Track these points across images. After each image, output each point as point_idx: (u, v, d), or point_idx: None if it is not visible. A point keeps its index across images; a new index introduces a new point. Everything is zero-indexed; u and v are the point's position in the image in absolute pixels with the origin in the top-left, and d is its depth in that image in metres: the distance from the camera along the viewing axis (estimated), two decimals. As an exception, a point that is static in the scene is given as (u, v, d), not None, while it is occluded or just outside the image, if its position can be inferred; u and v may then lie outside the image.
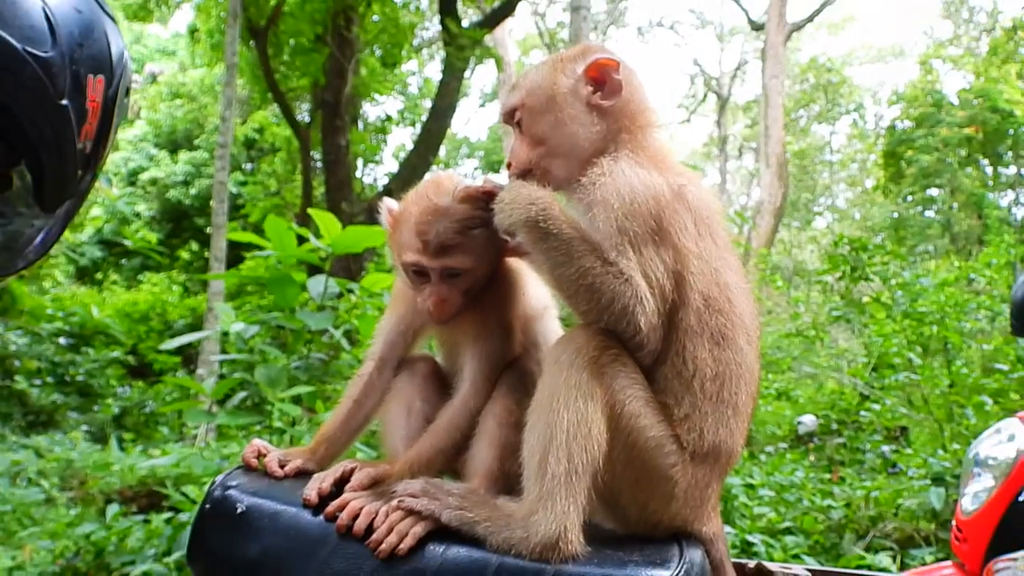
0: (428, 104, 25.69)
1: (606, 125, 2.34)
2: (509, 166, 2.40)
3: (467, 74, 24.53)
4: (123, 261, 28.63)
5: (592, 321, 2.13)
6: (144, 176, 28.92)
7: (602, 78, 2.35)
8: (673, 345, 2.18)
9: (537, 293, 2.53)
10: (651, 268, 2.12)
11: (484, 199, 2.32)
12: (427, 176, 2.47)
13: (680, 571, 2.00)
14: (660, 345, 2.16)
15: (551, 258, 2.13)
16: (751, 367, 2.27)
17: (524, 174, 2.34)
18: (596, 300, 2.09)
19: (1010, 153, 29.11)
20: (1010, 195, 30.11)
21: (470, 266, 2.34)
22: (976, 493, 4.66)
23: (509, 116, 2.45)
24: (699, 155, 49.36)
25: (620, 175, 2.19)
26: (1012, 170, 29.75)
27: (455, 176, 2.43)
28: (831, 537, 8.02)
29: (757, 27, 37.97)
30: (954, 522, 4.80)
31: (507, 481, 2.22)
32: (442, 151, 30.14)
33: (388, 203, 2.49)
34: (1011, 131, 27.88)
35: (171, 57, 33.76)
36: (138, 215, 28.55)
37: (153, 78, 31.92)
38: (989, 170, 29.90)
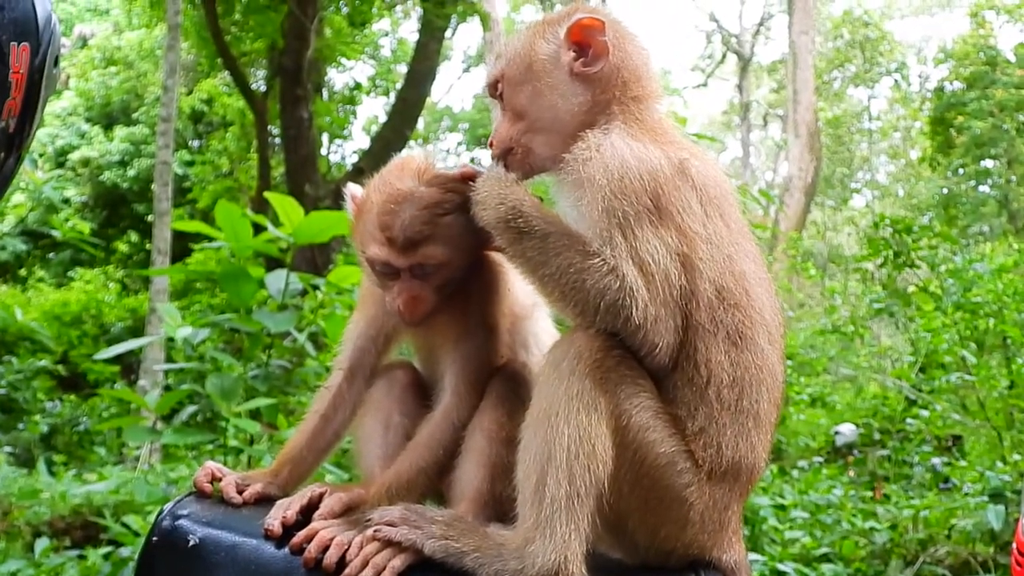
0: (403, 69, 25.69)
1: (592, 95, 2.36)
2: (491, 145, 2.43)
3: (448, 34, 24.55)
4: (51, 255, 28.58)
5: (587, 324, 2.14)
6: (74, 156, 28.83)
7: (586, 41, 2.37)
8: (683, 347, 2.19)
9: (526, 288, 2.52)
10: (647, 250, 2.12)
11: (459, 182, 2.34)
12: (396, 156, 2.46)
13: (698, 606, 2.02)
14: (675, 339, 2.16)
15: (529, 259, 2.17)
16: (773, 370, 2.28)
17: (505, 153, 2.38)
18: (582, 300, 2.11)
19: (1076, 117, 29.14)
20: (1077, 166, 30.14)
21: (443, 259, 2.35)
22: (1040, 511, 4.70)
23: (493, 89, 2.48)
24: (718, 124, 49.41)
25: (609, 148, 2.21)
26: (1079, 137, 29.79)
27: (424, 155, 2.44)
28: (875, 564, 8.07)
29: (783, -25, 37.98)
30: (1015, 544, 4.84)
31: (499, 506, 2.24)
32: (420, 123, 30.17)
33: (352, 188, 2.51)
34: (1077, 92, 27.92)
35: (104, 17, 33.63)
36: (68, 201, 28.42)
37: (83, 42, 31.77)
38: (1052, 137, 29.94)
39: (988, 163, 29.66)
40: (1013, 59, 29.21)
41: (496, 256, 2.49)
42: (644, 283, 2.10)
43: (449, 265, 2.37)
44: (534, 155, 2.37)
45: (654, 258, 2.12)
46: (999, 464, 9.15)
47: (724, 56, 47.40)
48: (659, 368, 2.18)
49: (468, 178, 2.34)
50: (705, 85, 48.78)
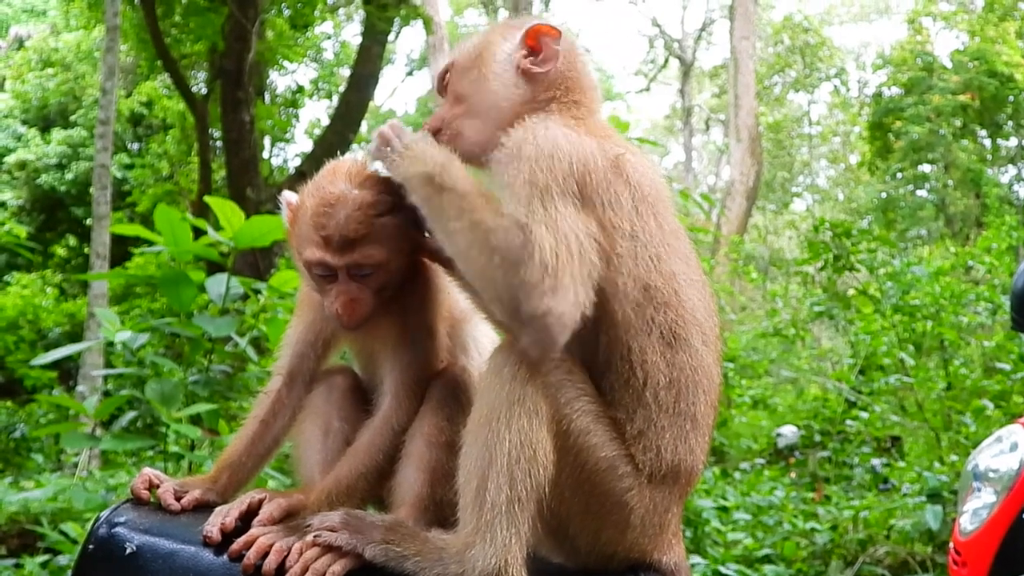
0: (346, 73, 25.58)
1: (533, 91, 2.43)
2: (424, 127, 2.45)
3: (391, 37, 24.47)
4: (-14, 260, 28.13)
5: (486, 285, 2.10)
6: (10, 159, 28.40)
7: (539, 46, 2.45)
8: (617, 347, 2.20)
9: None
10: (563, 221, 2.10)
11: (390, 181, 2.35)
12: (328, 162, 2.47)
13: (639, 608, 2.03)
14: (577, 314, 2.07)
15: (443, 214, 2.15)
16: (709, 372, 2.29)
17: (434, 133, 2.41)
18: (486, 253, 2.07)
19: (1011, 123, 29.65)
20: (1011, 171, 30.66)
21: (381, 259, 2.35)
22: (976, 510, 4.77)
23: (441, 79, 2.54)
24: (660, 129, 49.70)
25: (544, 131, 2.23)
26: (1013, 142, 30.31)
27: (356, 160, 2.45)
28: (815, 565, 8.14)
29: (724, -19, 38.29)
30: (952, 544, 4.91)
31: (439, 510, 2.24)
32: (363, 127, 30.03)
33: (288, 196, 2.50)
34: (1011, 98, 28.38)
35: (41, 18, 33.19)
36: (4, 205, 28.04)
37: (20, 43, 31.35)
38: (987, 142, 30.44)
39: (925, 168, 30.07)
40: (949, 65, 29.65)
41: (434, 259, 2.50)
42: (551, 245, 2.05)
43: (386, 266, 2.36)
44: (462, 138, 2.41)
45: (568, 228, 2.10)
46: (937, 465, 9.27)
47: (666, 61, 47.66)
48: (557, 346, 2.10)
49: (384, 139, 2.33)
50: (648, 90, 49.08)
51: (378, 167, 2.35)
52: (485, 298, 2.16)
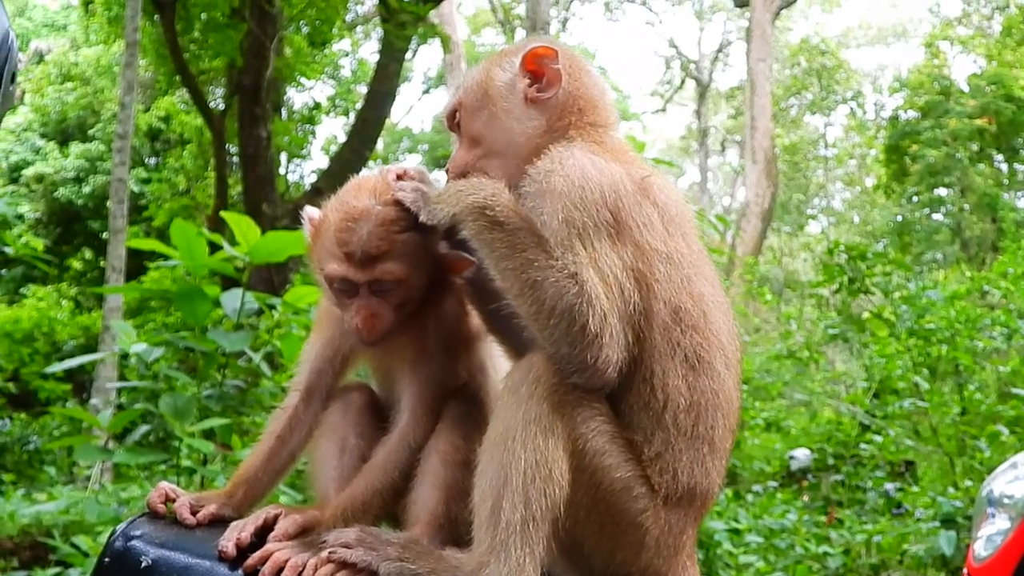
0: (363, 90, 25.70)
1: (547, 120, 2.41)
2: (448, 172, 2.46)
3: (408, 55, 24.59)
4: (3, 271, 28.22)
5: (540, 328, 2.11)
6: (28, 172, 28.55)
7: (540, 70, 2.43)
8: (639, 370, 2.19)
9: None
10: (605, 263, 2.13)
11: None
12: (353, 177, 2.47)
13: (652, 630, 2.02)
14: (626, 356, 2.16)
15: (496, 250, 2.15)
16: (730, 396, 2.29)
17: (460, 178, 2.38)
18: (539, 298, 2.09)
19: (1028, 147, 29.56)
20: (1028, 195, 30.57)
21: (402, 276, 2.34)
22: (990, 536, 4.75)
23: (451, 119, 2.53)
24: (676, 149, 49.72)
25: (571, 160, 2.23)
26: (1030, 167, 30.22)
27: (380, 175, 2.45)
28: (828, 589, 8.11)
29: (741, 3, 38.31)
30: (966, 569, 4.89)
31: (454, 528, 2.24)
32: (380, 144, 30.14)
33: (309, 211, 2.50)
34: (1029, 122, 28.32)
35: (61, 32, 33.41)
36: (21, 217, 28.13)
37: (40, 57, 31.54)
38: (1004, 167, 30.37)
39: (941, 191, 30.04)
40: (966, 89, 29.64)
41: (454, 279, 2.49)
42: (604, 291, 2.09)
43: (407, 282, 2.36)
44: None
45: (612, 271, 2.13)
46: (951, 490, 9.23)
47: (683, 82, 47.80)
48: (607, 386, 2.16)
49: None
50: (664, 110, 49.25)
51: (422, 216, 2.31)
52: (539, 338, 2.14)
